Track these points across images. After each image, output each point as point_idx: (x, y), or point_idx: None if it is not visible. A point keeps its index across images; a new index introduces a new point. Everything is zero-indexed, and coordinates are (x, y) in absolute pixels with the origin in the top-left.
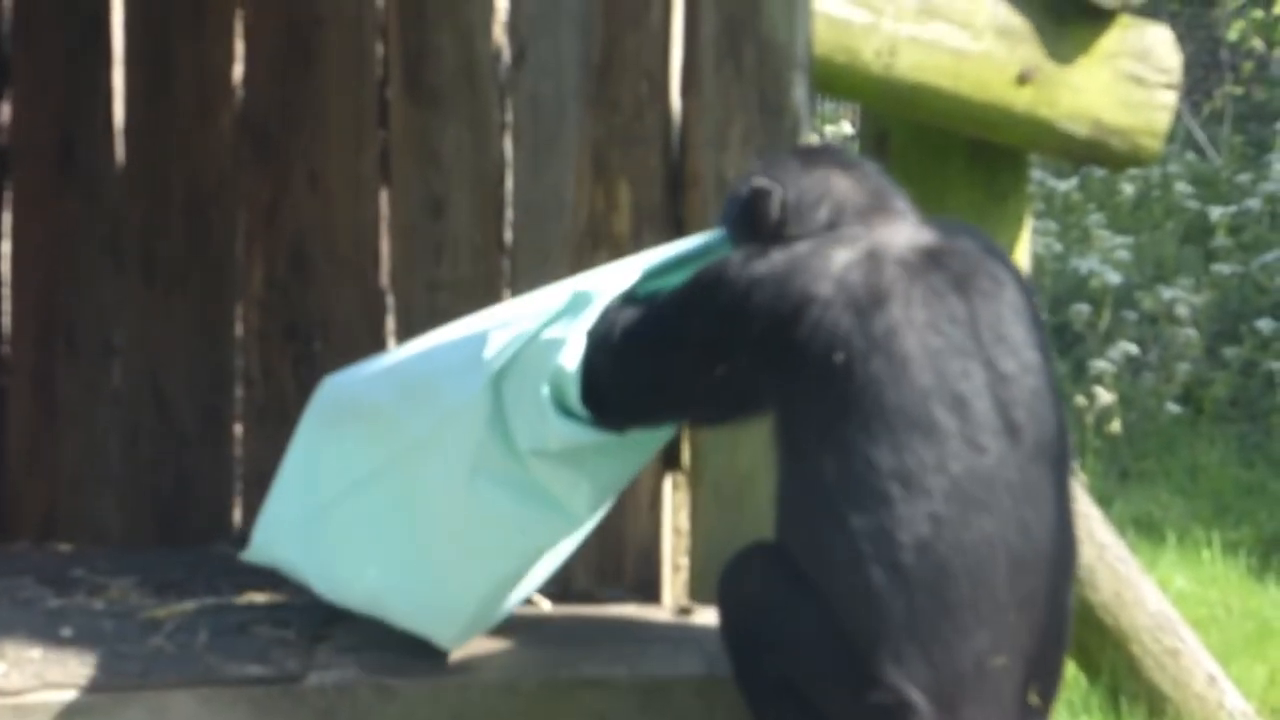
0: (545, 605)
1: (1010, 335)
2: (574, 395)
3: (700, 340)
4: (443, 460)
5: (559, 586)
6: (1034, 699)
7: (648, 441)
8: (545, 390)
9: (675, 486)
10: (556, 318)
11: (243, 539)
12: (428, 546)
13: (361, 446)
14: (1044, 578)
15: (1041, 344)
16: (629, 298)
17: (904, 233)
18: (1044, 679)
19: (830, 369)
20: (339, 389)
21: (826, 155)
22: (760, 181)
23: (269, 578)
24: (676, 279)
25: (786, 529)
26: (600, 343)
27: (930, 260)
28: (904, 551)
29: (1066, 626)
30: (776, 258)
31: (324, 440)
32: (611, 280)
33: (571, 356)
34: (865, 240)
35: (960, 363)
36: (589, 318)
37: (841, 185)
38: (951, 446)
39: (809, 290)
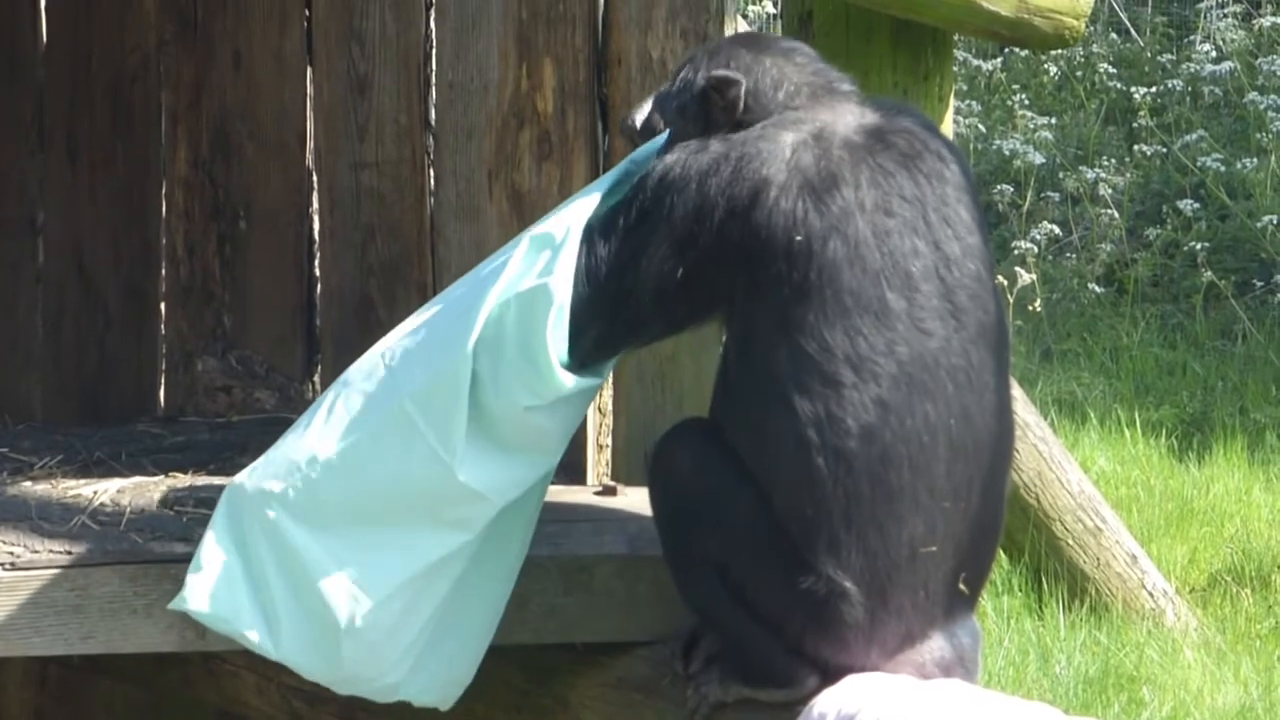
0: None
1: (954, 217)
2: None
3: (666, 242)
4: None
5: None
6: (962, 588)
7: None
8: (546, 340)
9: None
10: (523, 272)
11: (167, 418)
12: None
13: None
14: (981, 466)
15: (982, 227)
16: (596, 225)
17: (849, 114)
18: (973, 568)
19: (791, 252)
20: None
21: (769, 41)
22: (722, 71)
23: (193, 457)
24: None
25: (728, 417)
26: (582, 278)
27: (877, 140)
28: (850, 438)
29: (1000, 517)
30: (721, 147)
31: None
32: (567, 218)
33: (563, 294)
34: (810, 123)
35: (910, 241)
36: (567, 258)
37: (790, 70)
38: (900, 329)
39: (763, 173)
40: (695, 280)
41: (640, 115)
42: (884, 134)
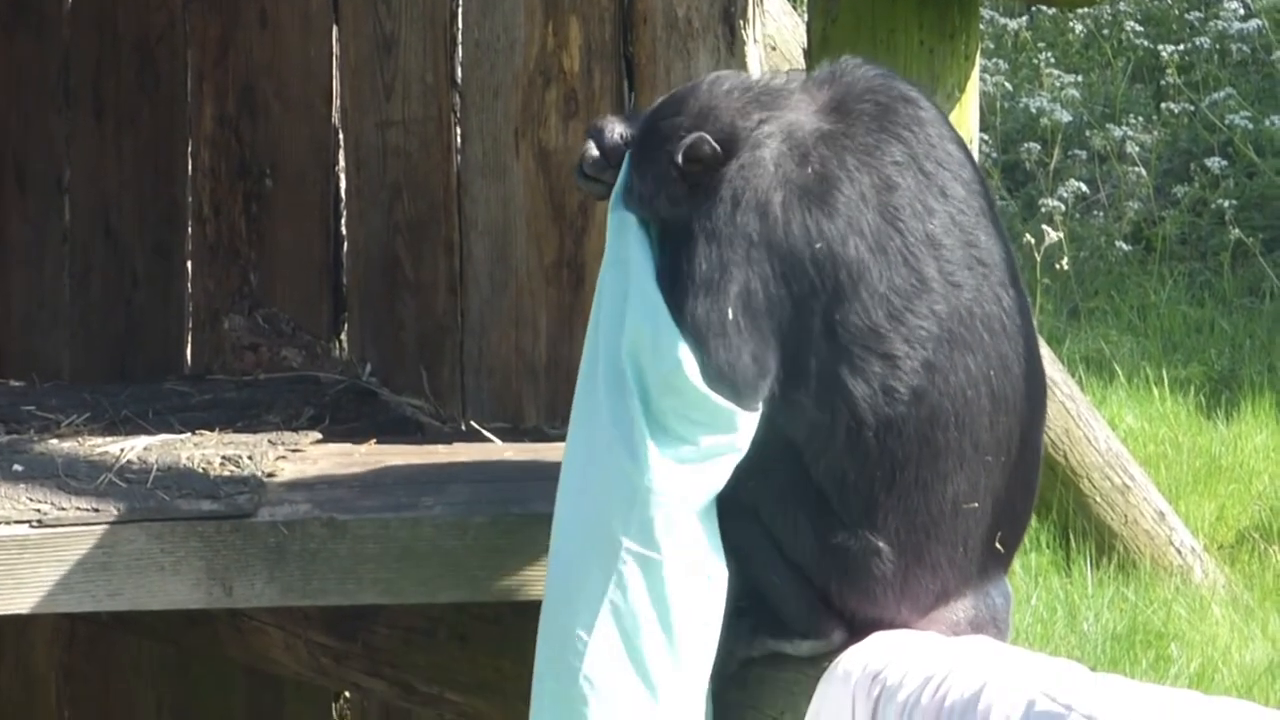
0: (496, 442)
1: (945, 157)
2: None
3: (723, 294)
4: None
5: (510, 423)
6: (998, 547)
7: None
8: (710, 397)
9: None
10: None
11: (194, 376)
12: None
13: None
14: (1021, 416)
15: (968, 153)
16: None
17: (802, 104)
18: (1010, 527)
19: (816, 260)
20: None
21: (685, 94)
22: (685, 142)
23: (220, 415)
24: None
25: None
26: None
27: (843, 116)
28: (900, 404)
29: (1036, 474)
30: (713, 196)
31: None
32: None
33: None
34: (777, 132)
35: (920, 202)
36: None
37: (724, 101)
38: (936, 289)
39: (760, 197)
40: (754, 306)
41: (592, 154)
42: (847, 106)
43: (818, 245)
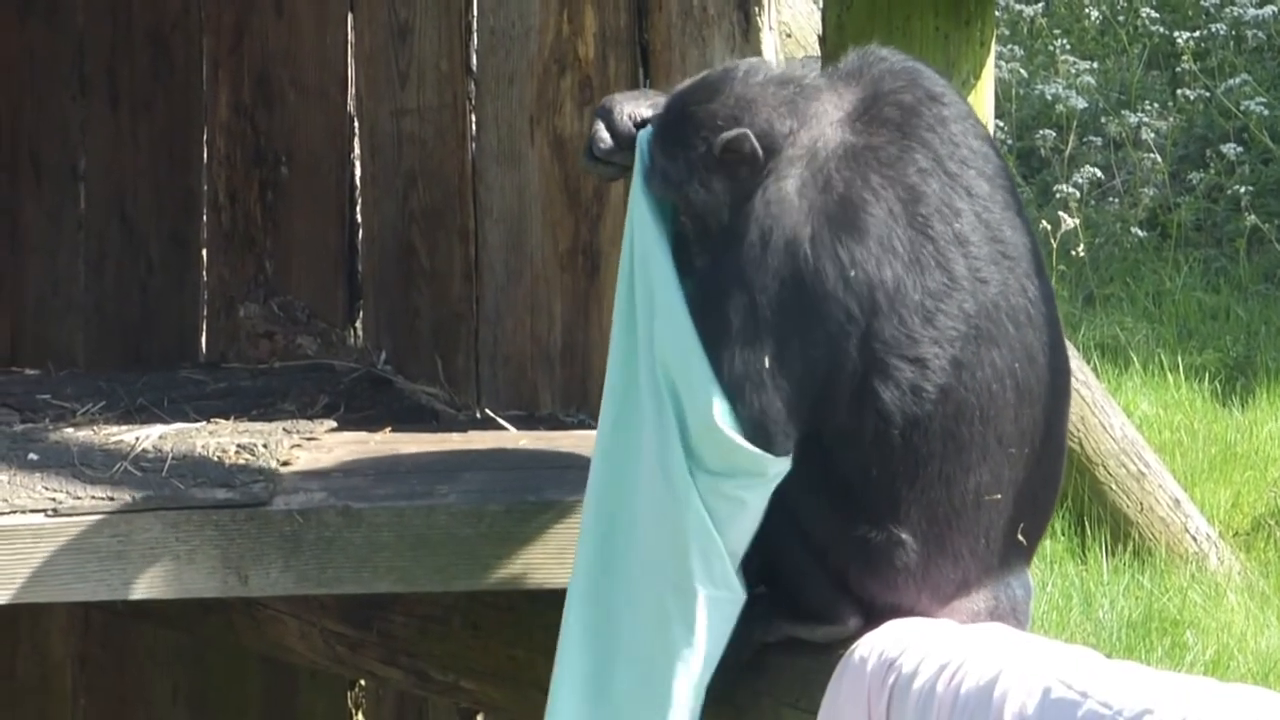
0: (511, 430)
1: (969, 155)
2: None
3: (740, 341)
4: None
5: (525, 410)
6: (1020, 539)
7: None
8: (748, 451)
9: None
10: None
11: (209, 364)
12: None
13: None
14: (1045, 407)
15: (991, 143)
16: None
17: (829, 109)
18: (1033, 519)
19: (852, 289)
20: None
21: (719, 81)
22: (727, 134)
23: (236, 403)
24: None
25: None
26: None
27: (868, 125)
28: (927, 402)
29: (1060, 467)
30: (737, 234)
31: None
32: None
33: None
34: (802, 155)
35: (947, 205)
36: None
37: (759, 95)
38: (966, 286)
39: (788, 235)
40: (788, 353)
41: (602, 135)
42: (871, 112)
43: (851, 273)
